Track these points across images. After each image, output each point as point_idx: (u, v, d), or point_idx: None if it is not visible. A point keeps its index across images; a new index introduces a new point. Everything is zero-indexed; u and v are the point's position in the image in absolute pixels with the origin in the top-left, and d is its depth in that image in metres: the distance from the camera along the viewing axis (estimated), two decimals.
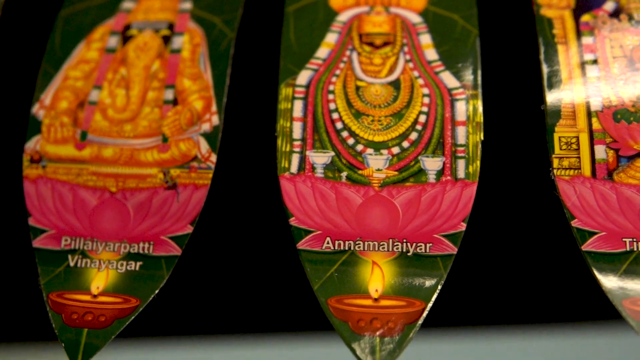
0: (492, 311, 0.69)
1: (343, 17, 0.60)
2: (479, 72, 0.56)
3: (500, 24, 0.61)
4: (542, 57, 0.56)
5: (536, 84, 0.55)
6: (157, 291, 0.52)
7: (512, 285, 0.68)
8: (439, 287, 0.51)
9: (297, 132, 0.55)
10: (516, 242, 0.66)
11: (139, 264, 0.53)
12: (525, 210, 0.64)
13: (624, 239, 0.51)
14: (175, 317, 0.70)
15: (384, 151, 0.55)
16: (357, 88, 0.57)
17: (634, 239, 0.51)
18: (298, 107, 0.56)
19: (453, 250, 0.52)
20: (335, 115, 0.56)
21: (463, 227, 0.52)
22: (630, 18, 0.58)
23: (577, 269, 0.51)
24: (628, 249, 0.51)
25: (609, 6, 0.59)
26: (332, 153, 0.55)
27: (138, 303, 0.52)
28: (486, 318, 0.69)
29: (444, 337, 0.71)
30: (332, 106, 0.56)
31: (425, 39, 0.58)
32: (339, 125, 0.56)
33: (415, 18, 0.59)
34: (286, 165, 0.55)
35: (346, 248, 0.52)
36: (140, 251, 0.54)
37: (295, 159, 0.55)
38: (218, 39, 0.60)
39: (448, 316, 0.67)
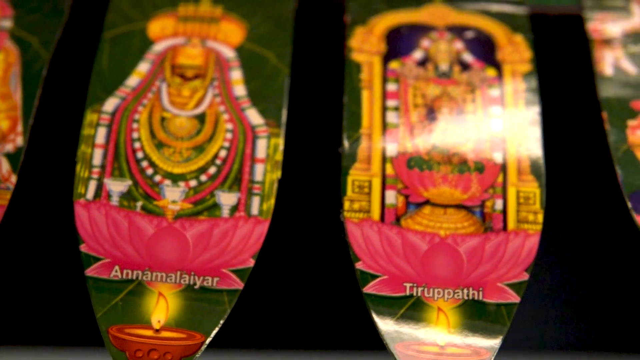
0: (276, 339, 0.69)
1: (159, 47, 0.60)
2: (284, 111, 0.57)
3: (313, 64, 0.63)
4: (345, 100, 0.58)
5: (339, 126, 0.56)
6: None
7: (295, 317, 0.69)
8: (221, 321, 0.51)
9: (97, 159, 0.56)
10: (302, 280, 0.67)
11: None
12: (314, 250, 0.65)
13: (404, 284, 0.52)
14: None
15: (182, 183, 0.55)
16: (163, 119, 0.57)
17: (415, 284, 0.52)
18: (101, 134, 0.56)
19: (239, 285, 0.52)
20: (137, 145, 0.56)
21: (252, 263, 0.53)
22: (436, 68, 0.60)
23: (358, 309, 0.52)
24: (408, 293, 0.52)
25: (418, 55, 0.60)
26: (130, 182, 0.55)
27: None
28: (271, 345, 0.69)
29: None
30: (135, 135, 0.57)
31: (236, 75, 0.59)
32: (139, 154, 0.56)
33: (230, 53, 0.60)
34: (82, 191, 0.55)
35: (134, 277, 0.53)
36: None
37: (92, 185, 0.55)
38: (32, 60, 0.59)
39: (229, 346, 0.67)
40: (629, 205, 0.54)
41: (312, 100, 0.61)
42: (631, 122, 0.58)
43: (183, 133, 0.57)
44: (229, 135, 0.57)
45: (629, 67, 0.61)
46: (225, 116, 0.57)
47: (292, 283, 0.67)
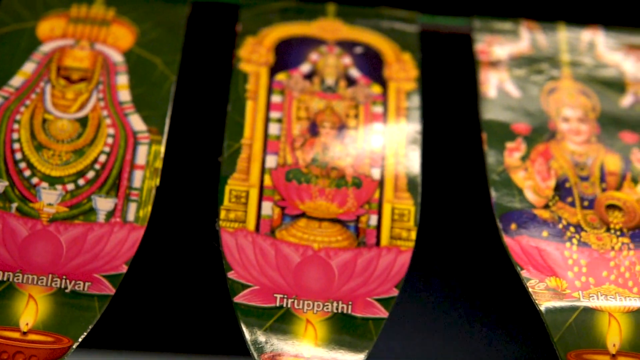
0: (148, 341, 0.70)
1: (46, 47, 0.60)
2: (168, 119, 0.57)
3: (202, 72, 0.63)
4: (229, 109, 0.58)
5: (221, 135, 0.56)
6: None
7: (166, 322, 0.69)
8: (90, 326, 0.51)
9: None
10: (173, 287, 0.67)
11: None
12: (188, 258, 0.65)
13: (275, 295, 0.53)
14: None
15: (59, 186, 0.55)
16: (44, 121, 0.57)
17: (285, 296, 0.53)
18: None
19: (111, 291, 0.52)
20: (16, 146, 0.56)
21: (125, 269, 0.53)
22: (322, 82, 0.60)
23: (230, 318, 0.52)
24: (278, 304, 0.53)
25: (305, 68, 0.61)
26: (6, 183, 0.55)
27: None
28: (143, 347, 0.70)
29: None
30: (15, 136, 0.56)
31: (122, 80, 0.59)
32: (18, 155, 0.56)
33: (118, 57, 0.60)
34: None
35: (5, 279, 0.52)
36: None
37: None
38: None
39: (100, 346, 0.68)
40: (499, 226, 0.55)
41: (197, 108, 0.61)
42: (509, 144, 0.60)
43: (64, 136, 0.57)
44: (110, 140, 0.57)
45: (512, 90, 0.62)
46: (108, 121, 0.58)
47: (166, 290, 0.68)
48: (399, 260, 0.55)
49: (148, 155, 0.56)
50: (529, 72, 0.63)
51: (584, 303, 0.52)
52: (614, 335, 0.52)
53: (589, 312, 0.52)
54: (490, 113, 0.60)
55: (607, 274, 0.54)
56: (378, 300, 0.53)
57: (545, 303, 0.52)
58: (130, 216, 0.54)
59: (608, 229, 0.56)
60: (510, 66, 0.63)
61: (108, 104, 0.58)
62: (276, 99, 0.59)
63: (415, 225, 0.56)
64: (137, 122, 0.57)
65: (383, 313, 0.53)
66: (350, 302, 0.53)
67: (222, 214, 0.55)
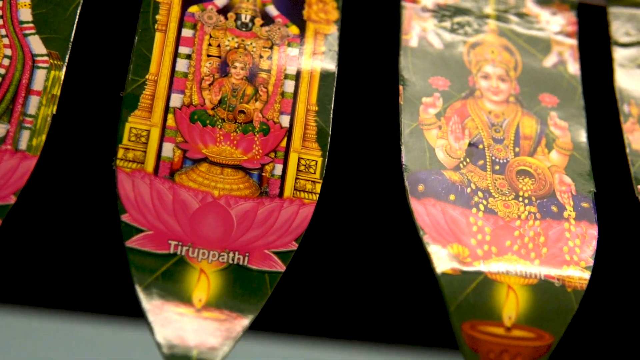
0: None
1: None
2: (70, 44, 0.54)
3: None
4: (136, 40, 0.55)
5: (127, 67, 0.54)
6: None
7: (54, 267, 0.67)
8: None
9: None
10: (63, 225, 0.65)
11: None
12: (81, 195, 0.63)
13: (169, 241, 0.51)
14: None
15: None
16: None
17: (180, 243, 0.51)
18: None
19: None
20: None
21: (13, 200, 0.50)
22: (237, 18, 0.58)
23: (119, 263, 0.50)
24: (172, 251, 0.51)
25: (220, 2, 0.58)
26: None
27: None
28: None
29: None
30: None
31: None
32: None
33: None
34: None
35: None
36: None
37: None
38: None
39: None
40: (406, 186, 0.54)
41: (103, 36, 0.58)
42: (426, 99, 0.58)
43: None
44: (5, 62, 0.53)
45: (435, 41, 0.60)
46: (5, 40, 0.54)
47: (55, 228, 0.65)
48: (301, 214, 0.53)
49: (46, 80, 0.53)
50: (454, 23, 0.61)
51: (484, 273, 0.52)
52: (511, 307, 0.51)
53: (488, 283, 0.51)
54: (408, 64, 0.58)
55: (511, 243, 0.53)
56: (276, 253, 0.52)
57: (444, 270, 0.51)
58: (23, 144, 0.51)
59: (517, 197, 0.55)
60: (435, 16, 0.61)
61: (7, 23, 0.54)
62: (187, 33, 0.56)
63: (321, 178, 0.54)
64: (36, 45, 0.54)
65: (280, 267, 0.51)
66: (247, 254, 0.51)
67: (120, 153, 0.52)
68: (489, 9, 0.62)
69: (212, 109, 0.54)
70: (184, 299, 0.49)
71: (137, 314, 0.49)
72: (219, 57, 0.56)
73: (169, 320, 0.49)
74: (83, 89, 0.54)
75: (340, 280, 0.67)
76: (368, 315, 0.68)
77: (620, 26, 0.64)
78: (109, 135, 0.52)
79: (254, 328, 0.50)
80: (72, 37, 0.54)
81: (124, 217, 0.51)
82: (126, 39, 0.55)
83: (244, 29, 0.57)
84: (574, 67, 0.61)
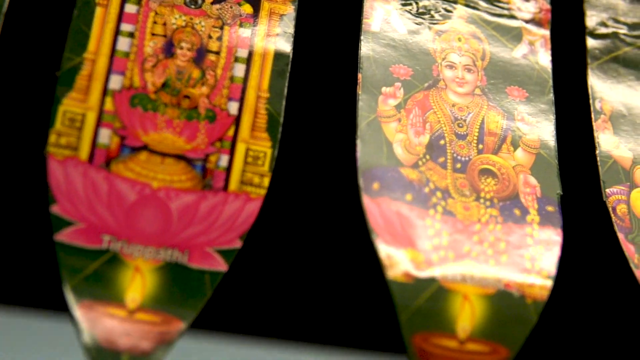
0: None
1: None
2: (2, 16, 0.50)
3: None
4: (75, 14, 0.51)
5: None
6: None
7: None
8: None
9: None
10: None
11: None
12: (10, 184, 0.59)
13: (102, 235, 0.47)
14: None
15: None
16: None
17: (114, 238, 0.48)
18: None
19: None
20: None
21: None
22: None
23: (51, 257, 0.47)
24: (104, 247, 0.47)
25: None
26: None
27: None
28: None
29: None
30: None
31: None
32: None
33: None
34: None
35: None
36: None
37: None
38: None
39: None
40: (361, 183, 0.51)
41: (40, 8, 0.54)
42: (385, 89, 0.54)
43: None
44: None
45: (398, 26, 0.57)
46: None
47: None
48: (247, 209, 0.49)
49: None
50: (420, 7, 0.57)
51: (439, 280, 0.49)
52: (466, 319, 0.48)
53: (443, 292, 0.48)
54: (369, 50, 0.55)
55: (469, 249, 0.50)
56: (218, 251, 0.48)
57: (396, 277, 0.48)
58: None
59: (478, 198, 0.52)
60: None
61: None
62: (131, 8, 0.52)
63: (269, 171, 0.50)
64: None
65: (222, 266, 0.48)
66: (186, 251, 0.48)
67: (52, 138, 0.48)
68: None
69: (155, 92, 0.50)
70: (116, 298, 0.46)
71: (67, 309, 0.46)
72: (164, 36, 0.52)
73: (97, 321, 0.45)
74: (15, 66, 0.50)
75: (287, 281, 0.64)
76: (316, 318, 0.64)
77: (595, 15, 0.61)
78: (42, 118, 0.48)
79: (193, 327, 0.47)
80: (5, 8, 0.50)
81: (54, 209, 0.47)
82: (66, 12, 0.51)
83: (192, 6, 0.53)
84: (545, 59, 0.58)
